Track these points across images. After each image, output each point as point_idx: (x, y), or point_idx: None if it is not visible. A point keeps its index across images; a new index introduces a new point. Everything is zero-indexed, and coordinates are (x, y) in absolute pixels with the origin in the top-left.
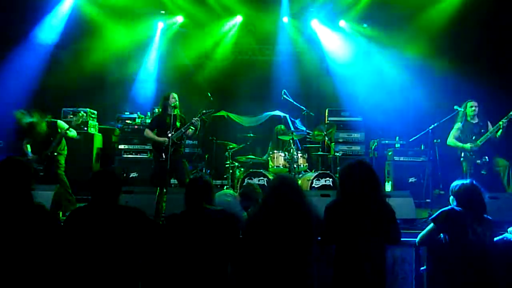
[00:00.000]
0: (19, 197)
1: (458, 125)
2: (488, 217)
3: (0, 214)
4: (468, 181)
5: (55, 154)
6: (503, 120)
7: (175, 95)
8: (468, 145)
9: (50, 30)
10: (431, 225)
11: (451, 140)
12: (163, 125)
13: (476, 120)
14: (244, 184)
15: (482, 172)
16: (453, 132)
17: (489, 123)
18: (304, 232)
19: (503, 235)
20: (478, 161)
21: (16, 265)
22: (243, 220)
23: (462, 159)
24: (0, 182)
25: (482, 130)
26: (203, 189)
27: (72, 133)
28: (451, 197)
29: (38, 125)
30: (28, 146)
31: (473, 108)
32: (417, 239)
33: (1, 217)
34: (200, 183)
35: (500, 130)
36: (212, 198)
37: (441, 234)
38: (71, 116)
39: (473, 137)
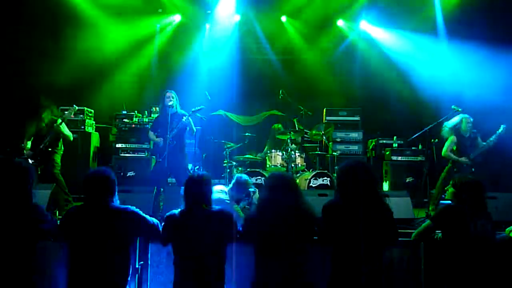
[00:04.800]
0: (17, 199)
1: (453, 138)
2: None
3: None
4: (469, 176)
5: (49, 150)
6: (490, 139)
7: (172, 93)
8: (463, 159)
9: None
10: (427, 222)
11: (447, 153)
12: (161, 125)
13: (468, 134)
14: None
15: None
16: (448, 145)
17: (478, 137)
18: (301, 229)
19: (501, 235)
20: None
21: (14, 265)
22: (235, 214)
23: (455, 169)
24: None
25: (473, 144)
26: (203, 189)
27: (66, 131)
28: (450, 189)
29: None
30: (29, 142)
31: (470, 124)
32: (412, 235)
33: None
34: (200, 183)
35: (492, 143)
36: (210, 198)
37: (439, 234)
38: (66, 113)
39: (467, 151)
